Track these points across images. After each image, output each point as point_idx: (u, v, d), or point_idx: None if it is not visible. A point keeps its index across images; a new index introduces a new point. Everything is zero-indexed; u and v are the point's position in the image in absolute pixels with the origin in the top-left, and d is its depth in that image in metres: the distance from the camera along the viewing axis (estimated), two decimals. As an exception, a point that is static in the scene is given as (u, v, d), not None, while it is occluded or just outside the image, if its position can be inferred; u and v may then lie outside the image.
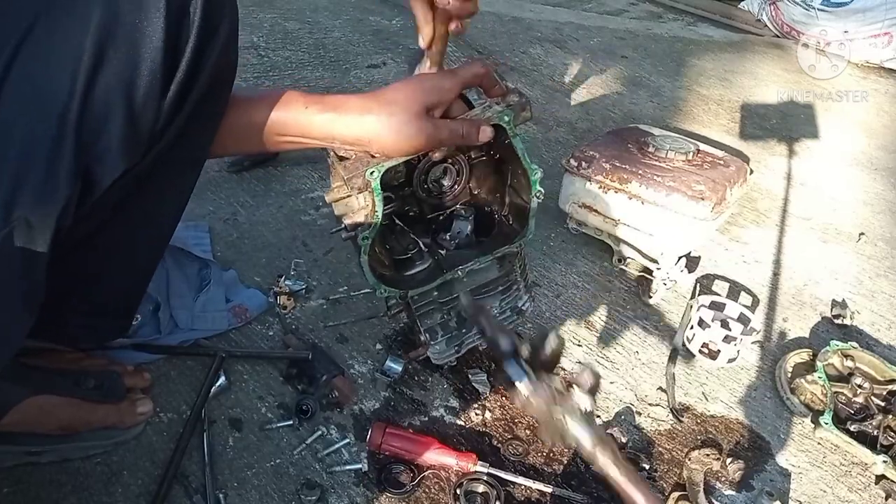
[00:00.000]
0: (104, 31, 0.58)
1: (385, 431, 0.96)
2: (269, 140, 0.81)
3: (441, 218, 1.03)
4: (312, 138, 0.81)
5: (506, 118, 0.89)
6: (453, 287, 1.01)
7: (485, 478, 0.93)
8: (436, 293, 1.01)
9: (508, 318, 1.08)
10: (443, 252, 1.01)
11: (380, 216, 0.85)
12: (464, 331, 1.06)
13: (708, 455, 1.01)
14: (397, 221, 0.99)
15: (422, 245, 1.00)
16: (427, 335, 1.03)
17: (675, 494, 0.96)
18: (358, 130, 0.80)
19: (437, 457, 0.95)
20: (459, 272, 0.98)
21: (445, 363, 1.08)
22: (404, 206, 1.00)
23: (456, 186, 1.01)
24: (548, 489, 0.95)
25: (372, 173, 0.82)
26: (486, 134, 0.87)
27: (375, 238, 0.89)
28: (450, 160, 0.97)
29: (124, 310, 0.89)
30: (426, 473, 0.94)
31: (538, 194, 0.96)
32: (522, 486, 0.95)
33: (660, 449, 1.05)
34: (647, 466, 1.01)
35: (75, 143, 0.59)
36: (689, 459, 1.00)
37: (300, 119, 0.79)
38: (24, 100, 0.57)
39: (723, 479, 1.00)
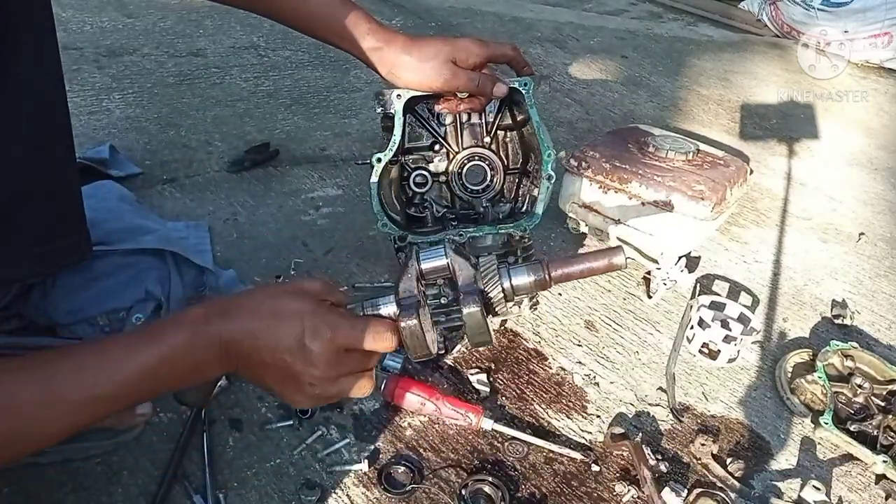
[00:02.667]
0: None
1: (398, 383, 1.02)
2: (315, 26, 0.99)
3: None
4: (356, 47, 0.99)
5: (525, 84, 0.98)
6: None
7: (490, 479, 0.93)
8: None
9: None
10: (455, 223, 1.10)
11: (397, 139, 0.99)
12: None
13: (703, 444, 1.01)
14: (418, 189, 1.11)
15: (435, 210, 1.12)
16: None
17: (696, 491, 0.96)
18: (394, 59, 0.98)
19: (446, 408, 1.00)
20: (462, 233, 1.02)
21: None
22: (440, 195, 1.14)
23: (489, 188, 1.12)
24: (551, 447, 0.99)
25: (399, 95, 0.99)
26: (500, 89, 0.98)
27: (393, 182, 1.04)
28: (485, 160, 1.09)
29: (71, 224, 0.85)
30: (426, 474, 0.95)
31: (549, 178, 0.98)
32: (527, 484, 0.95)
33: (660, 449, 1.05)
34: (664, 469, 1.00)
35: None
36: (692, 450, 1.01)
37: (358, 37, 0.98)
38: None
39: (728, 482, 1.00)
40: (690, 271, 1.42)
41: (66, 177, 0.84)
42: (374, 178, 0.99)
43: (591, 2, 3.35)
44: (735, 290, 1.44)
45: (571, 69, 2.46)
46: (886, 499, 1.03)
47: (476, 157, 1.11)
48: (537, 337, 1.22)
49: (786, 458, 1.07)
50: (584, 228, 1.47)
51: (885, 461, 1.03)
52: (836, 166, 2.07)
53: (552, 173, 0.99)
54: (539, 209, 1.01)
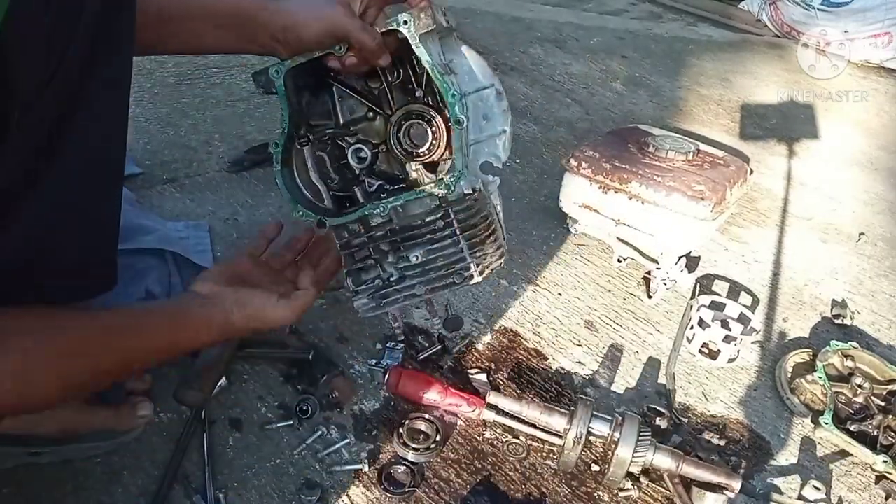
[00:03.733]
0: None
1: (402, 374, 1.03)
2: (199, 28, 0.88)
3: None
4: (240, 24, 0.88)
5: (403, 20, 0.81)
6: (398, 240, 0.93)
7: (426, 416, 0.99)
8: (371, 235, 0.93)
9: (439, 277, 0.92)
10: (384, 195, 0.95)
11: (285, 122, 0.89)
12: (397, 286, 0.93)
13: (709, 440, 1.02)
14: (360, 165, 0.97)
15: (367, 185, 0.97)
16: (351, 281, 0.93)
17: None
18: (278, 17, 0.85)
19: (448, 399, 1.02)
20: (382, 206, 0.90)
21: (368, 316, 0.95)
22: (377, 161, 0.99)
23: (432, 149, 0.95)
24: (552, 438, 0.99)
25: (277, 71, 0.86)
26: (386, 59, 0.86)
27: (322, 162, 0.95)
28: (423, 117, 0.93)
29: (102, 261, 0.86)
30: (426, 474, 0.95)
31: (458, 122, 0.86)
32: (527, 484, 0.95)
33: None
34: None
35: None
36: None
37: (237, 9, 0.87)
38: None
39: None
40: (690, 271, 1.42)
41: (109, 218, 0.85)
42: (277, 165, 0.90)
43: (591, 2, 3.35)
44: (735, 290, 1.44)
45: (571, 69, 2.46)
46: (886, 499, 1.03)
47: (413, 115, 0.94)
48: (537, 337, 1.22)
49: (786, 458, 1.07)
50: (583, 228, 1.47)
51: (885, 461, 1.03)
52: (836, 166, 2.07)
53: (461, 117, 0.86)
54: (458, 162, 0.88)
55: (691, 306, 1.31)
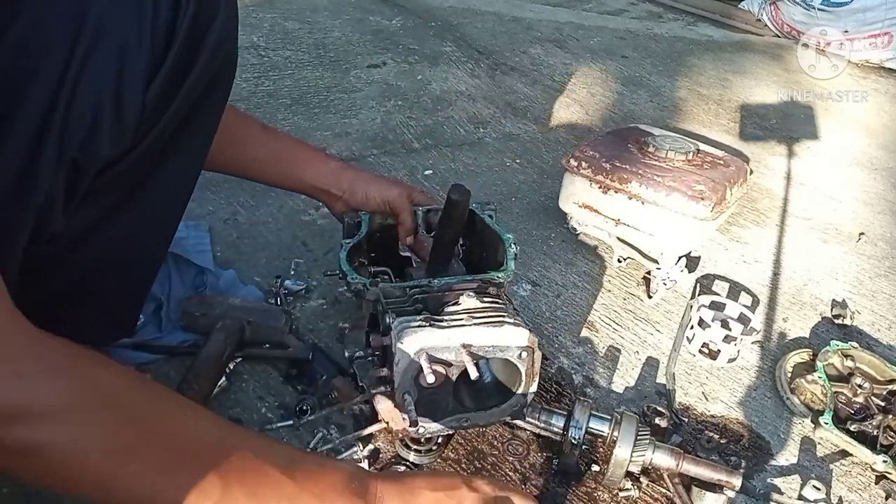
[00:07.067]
0: (99, 17, 0.57)
1: None
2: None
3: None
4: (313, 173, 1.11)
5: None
6: None
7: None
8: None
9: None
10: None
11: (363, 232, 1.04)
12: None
13: (710, 441, 1.02)
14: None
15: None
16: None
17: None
18: (353, 177, 1.13)
19: None
20: (435, 282, 0.93)
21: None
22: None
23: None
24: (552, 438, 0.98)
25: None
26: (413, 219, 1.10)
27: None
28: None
29: (128, 314, 0.88)
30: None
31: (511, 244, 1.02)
32: (527, 484, 0.95)
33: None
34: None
35: (60, 133, 0.57)
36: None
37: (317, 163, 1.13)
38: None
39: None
40: (690, 271, 1.42)
41: (148, 274, 0.86)
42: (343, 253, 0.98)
43: (591, 2, 3.35)
44: (735, 290, 1.44)
45: (571, 69, 2.46)
46: (886, 499, 1.03)
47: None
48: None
49: (786, 458, 1.07)
50: (583, 228, 1.47)
51: (885, 461, 1.03)
52: (836, 166, 2.07)
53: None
54: (512, 265, 0.99)
55: (691, 306, 1.31)
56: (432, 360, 0.80)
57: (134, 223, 0.76)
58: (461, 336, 0.81)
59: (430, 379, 0.78)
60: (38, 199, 0.59)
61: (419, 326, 0.81)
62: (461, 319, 0.84)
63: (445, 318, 0.85)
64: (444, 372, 0.81)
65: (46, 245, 0.64)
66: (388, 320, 0.84)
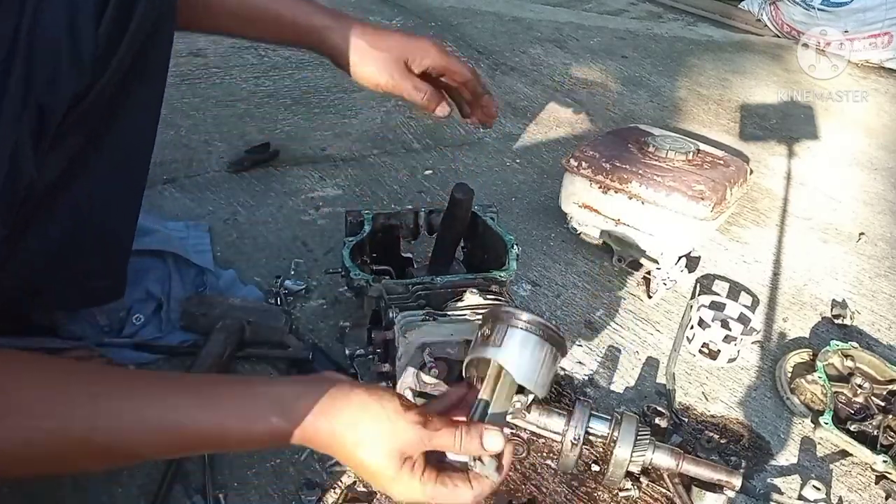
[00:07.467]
0: None
1: None
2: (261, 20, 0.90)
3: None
4: (303, 27, 0.90)
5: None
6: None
7: None
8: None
9: None
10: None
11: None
12: None
13: (709, 441, 1.02)
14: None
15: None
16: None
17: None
18: (346, 39, 0.90)
19: None
20: (438, 280, 0.95)
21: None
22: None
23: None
24: (552, 437, 0.96)
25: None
26: (443, 109, 0.94)
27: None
28: None
29: (115, 273, 0.89)
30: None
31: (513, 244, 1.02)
32: (527, 484, 0.95)
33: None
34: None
35: (24, 80, 0.61)
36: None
37: (307, 14, 0.90)
38: None
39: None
40: (690, 271, 1.42)
41: (125, 230, 0.88)
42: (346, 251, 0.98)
43: (591, 2, 3.35)
44: (735, 290, 1.44)
45: (571, 69, 2.46)
46: (886, 499, 1.03)
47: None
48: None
49: (786, 458, 1.07)
50: (583, 228, 1.47)
51: (885, 461, 1.03)
52: (836, 166, 2.07)
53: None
54: (514, 265, 0.99)
55: (691, 306, 1.31)
56: (434, 355, 0.80)
57: (103, 173, 0.79)
58: (464, 331, 0.82)
59: (433, 374, 0.78)
60: (7, 144, 0.62)
61: (423, 321, 0.82)
62: (464, 315, 0.85)
63: (448, 313, 0.85)
64: (446, 367, 0.82)
65: (23, 204, 0.66)
66: (391, 315, 0.85)
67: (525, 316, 0.67)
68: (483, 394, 0.68)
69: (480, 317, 0.83)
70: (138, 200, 0.88)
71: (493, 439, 0.64)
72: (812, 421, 1.12)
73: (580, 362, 1.19)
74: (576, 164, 1.38)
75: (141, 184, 0.87)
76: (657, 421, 1.06)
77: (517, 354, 0.67)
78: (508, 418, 0.91)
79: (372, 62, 0.89)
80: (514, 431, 1.02)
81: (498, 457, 0.66)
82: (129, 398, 0.56)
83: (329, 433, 0.61)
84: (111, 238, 0.87)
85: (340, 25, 0.89)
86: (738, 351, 1.22)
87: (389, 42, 0.89)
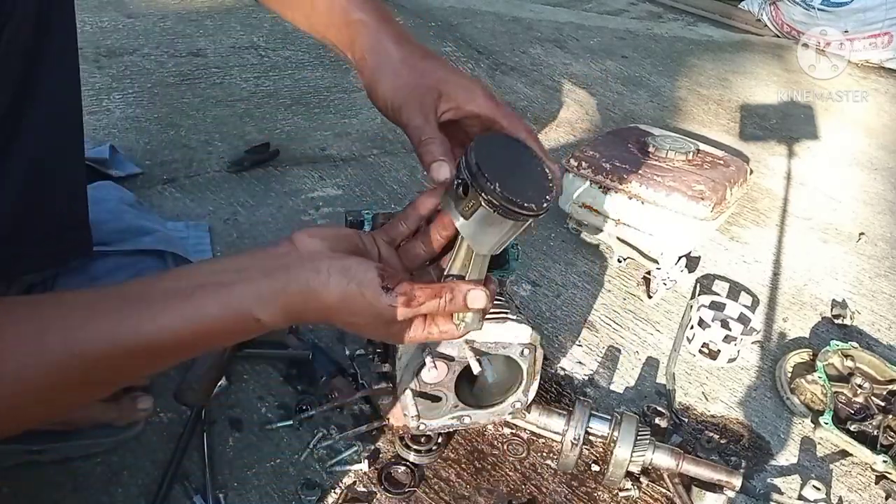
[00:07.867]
0: None
1: None
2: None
3: None
4: (337, 23, 0.77)
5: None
6: None
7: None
8: None
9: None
10: None
11: None
12: None
13: (709, 441, 1.02)
14: None
15: None
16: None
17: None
18: (379, 43, 0.73)
19: None
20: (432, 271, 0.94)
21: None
22: None
23: None
24: (552, 437, 0.99)
25: None
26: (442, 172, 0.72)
27: None
28: None
29: (77, 224, 0.89)
30: (426, 474, 0.95)
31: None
32: (527, 484, 0.95)
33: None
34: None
35: None
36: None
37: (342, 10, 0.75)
38: None
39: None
40: (690, 271, 1.42)
41: (75, 176, 0.88)
42: None
43: (591, 2, 3.35)
44: (735, 290, 1.44)
45: (571, 69, 2.46)
46: (886, 499, 1.03)
47: None
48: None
49: (786, 458, 1.08)
50: (583, 228, 1.47)
51: (885, 461, 1.03)
52: (836, 166, 2.07)
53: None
54: (514, 265, 0.95)
55: (691, 306, 1.31)
56: (434, 355, 0.80)
57: (41, 125, 0.78)
58: None
59: (433, 374, 0.78)
60: None
61: None
62: None
63: None
64: (445, 368, 0.82)
65: None
66: None
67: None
68: (454, 264, 0.68)
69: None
70: (81, 149, 0.88)
71: (477, 296, 0.63)
72: (812, 421, 1.12)
73: (580, 362, 1.19)
74: (576, 164, 1.38)
75: (79, 134, 0.86)
76: (657, 421, 1.06)
77: (481, 232, 0.65)
78: (508, 418, 0.91)
79: (397, 88, 0.69)
80: (514, 431, 1.02)
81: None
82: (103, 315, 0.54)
83: (312, 319, 0.64)
84: (64, 191, 0.86)
85: (378, 24, 0.72)
86: (738, 351, 1.22)
87: (427, 65, 0.70)
